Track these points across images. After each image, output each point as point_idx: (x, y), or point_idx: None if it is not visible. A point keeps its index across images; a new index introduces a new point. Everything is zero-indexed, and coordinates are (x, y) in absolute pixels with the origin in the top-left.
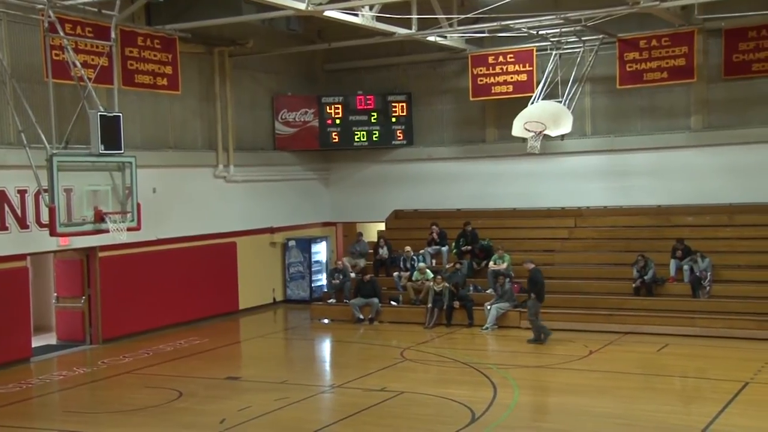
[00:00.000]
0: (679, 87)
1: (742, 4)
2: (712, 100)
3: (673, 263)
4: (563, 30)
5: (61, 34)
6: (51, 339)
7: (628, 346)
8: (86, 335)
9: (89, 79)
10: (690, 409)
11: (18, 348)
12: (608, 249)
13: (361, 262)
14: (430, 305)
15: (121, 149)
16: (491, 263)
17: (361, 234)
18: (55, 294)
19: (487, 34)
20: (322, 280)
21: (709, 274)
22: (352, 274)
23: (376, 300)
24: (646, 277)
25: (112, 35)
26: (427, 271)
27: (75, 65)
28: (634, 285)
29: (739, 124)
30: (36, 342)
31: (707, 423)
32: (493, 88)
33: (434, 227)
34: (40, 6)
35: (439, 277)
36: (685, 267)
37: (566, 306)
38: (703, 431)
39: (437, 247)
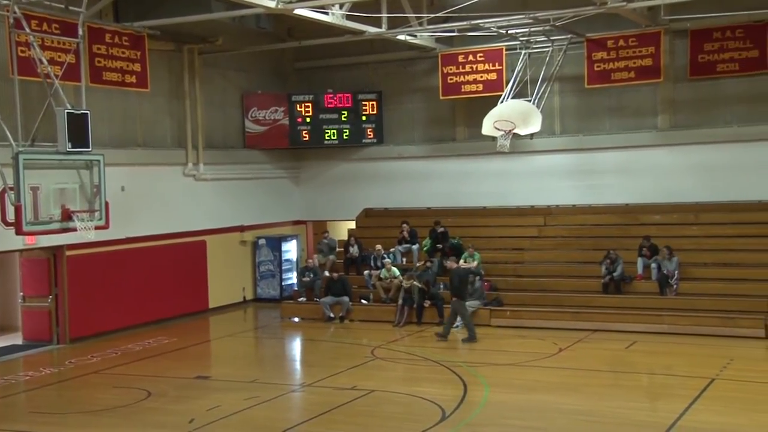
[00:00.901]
0: (646, 87)
1: (708, 6)
2: (678, 99)
3: (640, 261)
4: (532, 29)
5: (27, 30)
6: (17, 339)
7: (597, 343)
8: (53, 335)
9: (56, 76)
10: (657, 405)
11: None
12: (577, 247)
13: (332, 257)
14: (400, 303)
15: (89, 147)
16: (461, 261)
17: (326, 232)
18: (21, 293)
19: (457, 33)
20: (292, 278)
21: (676, 272)
22: (326, 273)
23: (346, 298)
24: (614, 274)
25: (80, 32)
26: (393, 268)
27: (41, 62)
28: (603, 281)
29: (705, 123)
30: (1, 342)
31: (674, 419)
32: (462, 86)
33: (405, 225)
34: (5, 2)
35: (408, 274)
36: (653, 265)
37: (535, 303)
38: (670, 427)
39: (408, 245)
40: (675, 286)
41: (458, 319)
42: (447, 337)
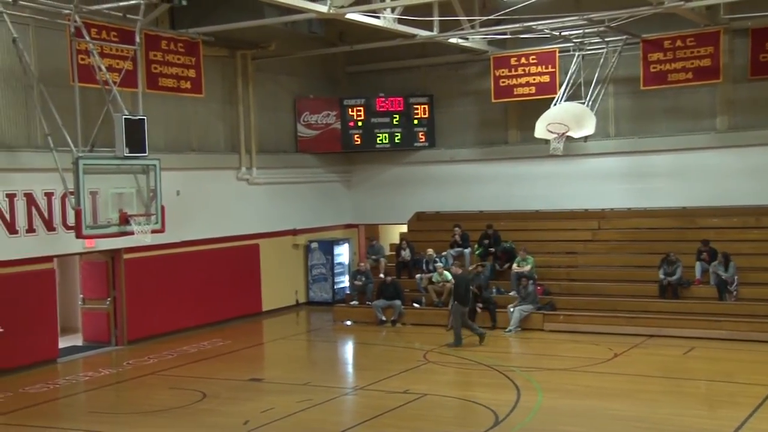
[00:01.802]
0: (704, 88)
1: None
2: (737, 100)
3: (698, 265)
4: (586, 31)
5: (87, 38)
6: (77, 340)
7: (653, 349)
8: (111, 336)
9: (114, 82)
10: (716, 413)
11: (45, 349)
12: (632, 251)
13: (383, 260)
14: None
15: (145, 152)
16: (514, 265)
17: (372, 238)
18: (81, 295)
19: (509, 36)
20: (344, 281)
21: (735, 278)
22: (382, 275)
23: (398, 302)
24: (673, 278)
25: (137, 39)
26: (445, 272)
27: (100, 69)
28: (660, 284)
29: (766, 125)
30: (62, 343)
31: (735, 428)
32: (515, 89)
33: (457, 229)
34: (67, 11)
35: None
36: (711, 270)
37: (589, 308)
38: None
39: (459, 249)
40: (734, 292)
41: (511, 323)
42: (461, 343)
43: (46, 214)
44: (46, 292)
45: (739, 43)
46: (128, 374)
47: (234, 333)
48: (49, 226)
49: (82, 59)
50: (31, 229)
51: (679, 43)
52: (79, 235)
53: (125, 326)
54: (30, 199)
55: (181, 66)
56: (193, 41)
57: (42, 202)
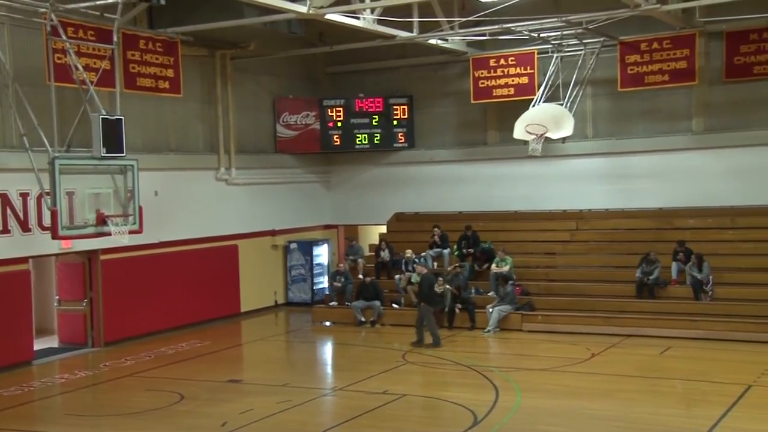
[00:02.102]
0: (680, 89)
1: (744, 7)
2: (713, 102)
3: (674, 266)
4: (564, 33)
5: (64, 37)
6: (53, 342)
7: (630, 348)
8: (88, 338)
9: (91, 82)
10: (693, 412)
11: (20, 351)
12: (610, 252)
13: (361, 261)
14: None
15: (122, 152)
16: (493, 266)
17: (351, 239)
18: (57, 297)
19: (488, 37)
20: (323, 282)
21: (710, 278)
22: (360, 276)
23: (377, 303)
24: (651, 277)
25: (114, 38)
26: (423, 269)
27: (77, 68)
28: (639, 282)
29: (741, 126)
30: (38, 345)
31: (710, 426)
32: (494, 90)
33: (436, 229)
34: (43, 10)
35: (441, 279)
36: (687, 270)
37: (568, 308)
38: None
39: (439, 249)
40: (710, 292)
41: (490, 323)
42: (423, 342)
43: (21, 215)
44: (22, 293)
45: (715, 46)
46: (105, 376)
47: (212, 334)
48: (25, 226)
49: (59, 58)
50: (5, 230)
51: (655, 45)
52: (55, 236)
53: (102, 328)
54: (5, 199)
55: (160, 66)
56: (171, 41)
57: (17, 203)
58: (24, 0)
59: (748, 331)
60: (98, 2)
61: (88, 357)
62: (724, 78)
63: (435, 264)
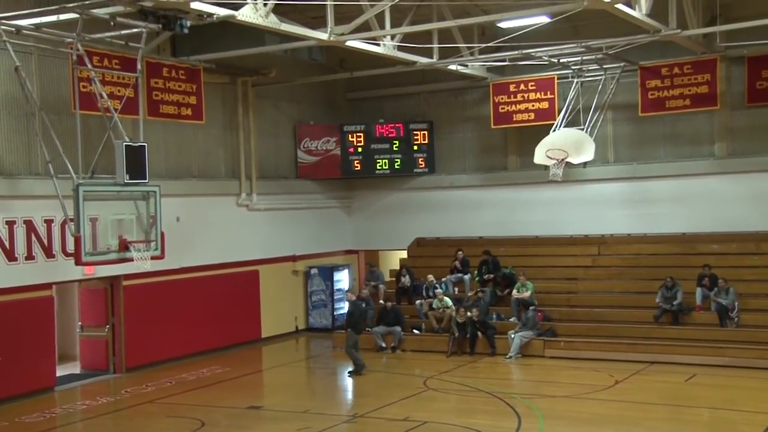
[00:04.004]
0: (702, 114)
1: (765, 31)
2: (735, 127)
3: (699, 291)
4: (584, 58)
5: (89, 66)
6: (75, 368)
7: (655, 375)
8: (110, 364)
9: (115, 110)
10: None
11: (42, 377)
12: (633, 277)
13: (382, 286)
14: (453, 335)
15: (145, 178)
16: (514, 291)
17: (372, 264)
18: (80, 323)
19: (508, 63)
20: (344, 308)
21: (736, 304)
22: (381, 302)
23: (398, 328)
24: (675, 302)
25: (138, 67)
26: (445, 298)
27: (102, 96)
28: (659, 311)
29: (764, 151)
30: (60, 371)
31: None
32: (514, 115)
33: (459, 253)
34: (70, 40)
35: (462, 309)
36: (712, 296)
37: (590, 334)
38: None
39: (459, 275)
40: (736, 318)
41: (511, 349)
42: (364, 366)
43: (45, 241)
44: (45, 319)
45: (736, 71)
46: (126, 402)
47: (233, 360)
48: (49, 253)
49: (84, 87)
50: (30, 256)
51: (676, 70)
52: (78, 262)
53: (123, 354)
54: (30, 226)
55: (182, 93)
56: (194, 68)
57: (41, 229)
58: (51, 30)
59: None
60: (123, 32)
61: (110, 383)
62: (746, 103)
63: (456, 290)
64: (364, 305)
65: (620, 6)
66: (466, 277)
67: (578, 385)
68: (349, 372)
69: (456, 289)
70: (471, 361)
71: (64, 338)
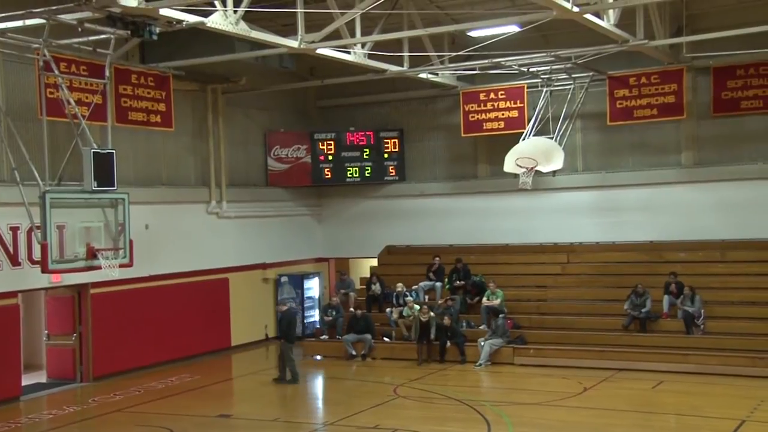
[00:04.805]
0: (669, 123)
1: (730, 43)
2: (702, 136)
3: (666, 299)
4: (553, 67)
5: (56, 72)
6: (41, 377)
7: (623, 382)
8: (77, 373)
9: (83, 116)
10: None
11: (7, 387)
12: (601, 285)
13: (353, 294)
14: (416, 337)
15: (114, 186)
16: (484, 299)
17: (343, 272)
18: (46, 331)
19: (478, 72)
20: (314, 316)
21: (702, 312)
22: (352, 309)
23: (369, 336)
24: (643, 310)
25: (107, 73)
26: (416, 306)
27: (69, 103)
28: (627, 317)
29: (730, 160)
30: (26, 380)
31: None
32: (484, 124)
33: (436, 259)
34: (36, 45)
35: (425, 307)
36: (679, 304)
37: (559, 342)
38: None
39: (431, 282)
40: (702, 326)
41: (481, 357)
42: (284, 379)
43: (11, 249)
44: (10, 328)
45: (702, 81)
46: (94, 411)
47: (202, 368)
48: (14, 261)
49: (51, 93)
50: None
51: (644, 80)
52: (45, 270)
53: (91, 362)
54: None
55: (151, 100)
56: (163, 75)
57: (7, 237)
58: (17, 36)
59: (741, 366)
60: (91, 38)
61: (77, 392)
62: (712, 113)
63: (427, 297)
64: (294, 313)
65: (588, 16)
66: (438, 284)
67: (547, 392)
68: (286, 380)
69: (427, 297)
70: (441, 368)
71: (29, 347)
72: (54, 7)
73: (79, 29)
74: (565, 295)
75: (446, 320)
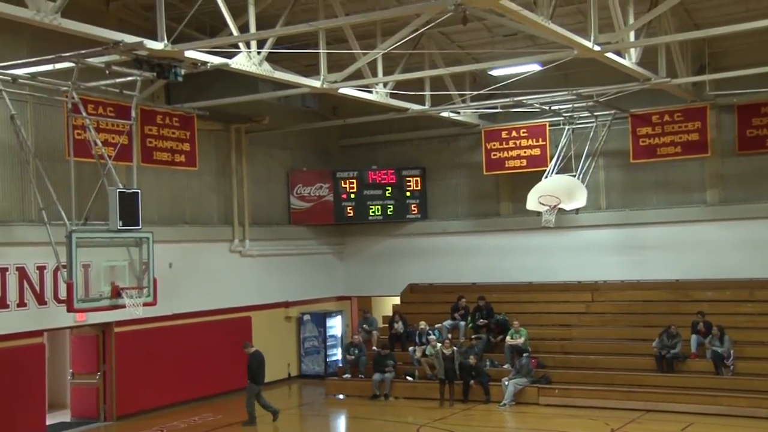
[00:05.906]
0: (693, 161)
1: (754, 81)
2: (727, 174)
3: (694, 338)
4: (575, 105)
5: (84, 114)
6: (65, 416)
7: (651, 424)
8: (100, 412)
9: (109, 157)
10: None
11: (32, 426)
12: (626, 324)
13: (375, 333)
14: (441, 377)
15: (138, 225)
16: (508, 338)
17: (366, 310)
18: (71, 370)
19: (500, 110)
20: (337, 354)
21: (731, 352)
22: (375, 348)
23: (389, 375)
24: (672, 351)
25: (133, 114)
26: (438, 344)
27: (96, 144)
28: (658, 355)
29: (756, 198)
30: (50, 419)
31: None
32: (506, 162)
33: (462, 300)
34: (65, 88)
35: (447, 341)
36: (707, 344)
37: (585, 382)
38: None
39: (455, 321)
40: (731, 366)
41: (505, 396)
42: (255, 422)
43: (37, 288)
44: (35, 367)
45: (726, 119)
46: None
47: (225, 407)
48: (41, 299)
49: (78, 134)
50: (22, 303)
51: (667, 117)
52: (70, 309)
53: (114, 401)
54: (22, 272)
55: (176, 140)
56: (188, 115)
57: (34, 276)
58: (47, 79)
59: None
60: (118, 80)
61: (101, 431)
62: (737, 150)
63: (450, 335)
64: (261, 357)
65: (610, 55)
66: (462, 323)
67: None
68: (243, 423)
69: (451, 335)
70: (464, 408)
71: (54, 386)
72: (83, 51)
73: (107, 72)
74: (590, 334)
75: (472, 359)
